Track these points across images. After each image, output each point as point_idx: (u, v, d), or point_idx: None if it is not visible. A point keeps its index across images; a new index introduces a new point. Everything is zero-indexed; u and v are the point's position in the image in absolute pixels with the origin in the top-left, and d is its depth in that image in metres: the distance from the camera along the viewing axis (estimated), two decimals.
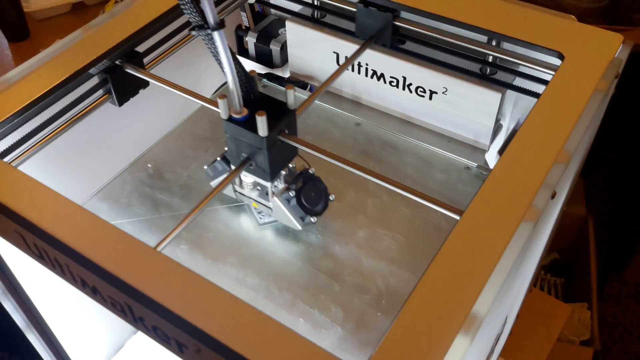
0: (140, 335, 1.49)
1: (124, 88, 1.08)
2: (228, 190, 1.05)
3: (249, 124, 0.86)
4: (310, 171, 1.01)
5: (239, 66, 0.83)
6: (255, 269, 1.00)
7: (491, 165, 1.22)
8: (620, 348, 2.56)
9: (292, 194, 0.98)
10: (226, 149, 0.98)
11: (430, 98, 1.20)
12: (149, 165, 1.16)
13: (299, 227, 1.01)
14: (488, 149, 1.22)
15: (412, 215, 1.07)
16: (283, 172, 0.97)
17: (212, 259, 1.02)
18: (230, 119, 0.87)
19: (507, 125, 1.28)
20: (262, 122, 0.83)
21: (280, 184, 0.99)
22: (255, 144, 0.87)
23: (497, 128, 1.23)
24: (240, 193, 1.04)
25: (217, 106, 0.90)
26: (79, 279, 0.76)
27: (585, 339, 2.15)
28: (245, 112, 0.87)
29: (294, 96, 0.87)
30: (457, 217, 0.82)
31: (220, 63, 0.81)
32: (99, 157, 1.17)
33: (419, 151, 1.18)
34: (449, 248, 0.75)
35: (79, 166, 1.14)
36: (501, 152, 1.21)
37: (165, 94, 1.03)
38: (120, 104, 1.09)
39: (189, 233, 1.05)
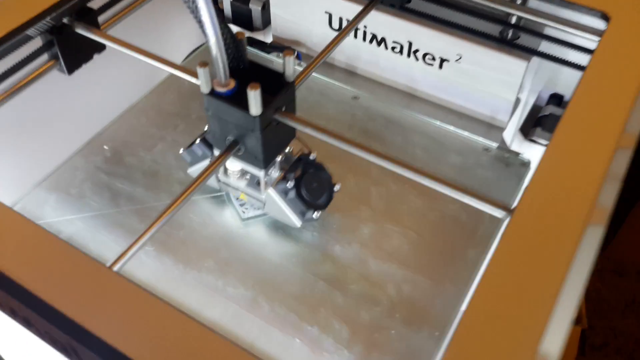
0: None
1: (74, 52, 0.88)
2: (210, 181, 0.87)
3: (237, 99, 0.68)
4: (311, 157, 0.83)
5: (224, 26, 0.64)
6: (238, 276, 0.82)
7: (510, 145, 1.05)
8: (605, 324, 2.49)
9: (290, 184, 0.80)
10: (206, 128, 0.79)
11: (441, 67, 1.02)
12: (105, 147, 0.96)
13: (298, 224, 0.83)
14: (506, 127, 1.05)
15: (426, 207, 0.90)
16: (278, 159, 0.78)
17: (185, 264, 0.83)
18: (213, 93, 0.68)
19: (526, 99, 1.11)
20: (255, 98, 0.64)
21: (275, 173, 0.81)
22: (245, 125, 0.69)
23: (515, 102, 1.06)
24: (224, 183, 0.86)
25: (192, 75, 0.71)
26: (6, 305, 0.56)
27: None
28: (232, 84, 0.68)
29: (293, 65, 0.68)
30: (500, 215, 0.65)
31: (200, 22, 0.62)
32: (45, 138, 0.97)
33: (429, 129, 1.00)
34: (501, 256, 0.57)
35: (19, 149, 0.94)
36: (524, 130, 1.03)
37: (125, 60, 0.84)
38: (70, 71, 0.89)
39: (158, 230, 0.86)
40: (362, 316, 0.79)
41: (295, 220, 0.83)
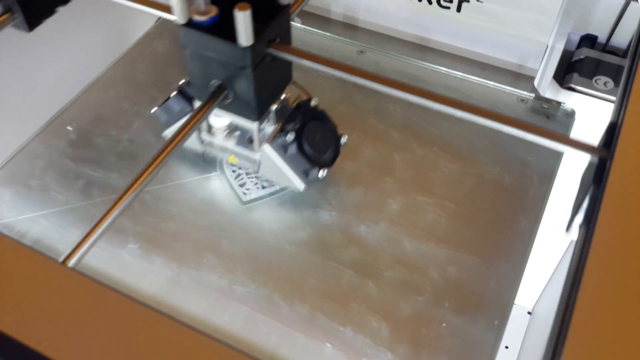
0: None
1: (34, 3, 0.71)
2: (191, 142, 0.71)
3: (220, 29, 0.54)
4: (312, 103, 0.69)
5: None
6: (247, 272, 0.67)
7: (544, 94, 0.91)
8: None
9: (289, 137, 0.66)
10: (182, 82, 0.64)
11: (459, 9, 0.88)
12: (69, 128, 0.80)
13: (302, 187, 0.69)
14: (537, 75, 0.90)
15: (460, 172, 0.75)
16: (273, 107, 0.63)
17: (179, 262, 0.67)
18: (192, 24, 0.54)
19: (553, 44, 0.97)
20: (244, 22, 0.51)
21: (271, 126, 0.66)
22: (234, 61, 0.55)
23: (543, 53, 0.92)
24: (209, 144, 0.71)
25: (162, 9, 0.56)
26: None
27: None
28: (214, 11, 0.54)
29: None
30: (589, 157, 0.50)
31: None
32: None
33: (451, 82, 0.86)
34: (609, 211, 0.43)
35: None
36: (558, 78, 0.89)
37: (87, 22, 0.67)
38: (31, 27, 0.72)
39: (137, 224, 0.70)
40: (404, 308, 0.64)
41: (297, 182, 0.68)
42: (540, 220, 0.71)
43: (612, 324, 0.36)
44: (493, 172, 0.75)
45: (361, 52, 0.90)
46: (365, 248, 0.69)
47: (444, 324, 0.63)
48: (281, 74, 0.63)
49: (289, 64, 0.63)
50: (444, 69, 0.88)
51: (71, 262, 0.46)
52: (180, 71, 0.86)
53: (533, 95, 0.84)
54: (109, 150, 0.78)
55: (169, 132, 0.71)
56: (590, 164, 0.50)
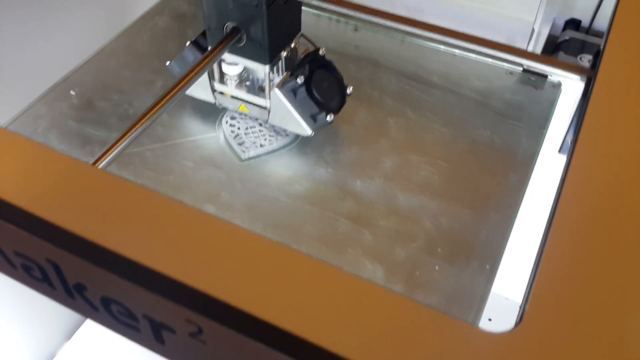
0: (76, 340, 1.14)
1: None
2: (204, 92, 0.74)
3: None
4: (320, 52, 0.72)
5: None
6: (245, 221, 0.68)
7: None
8: None
9: (299, 80, 0.68)
10: (184, 52, 0.67)
11: None
12: (72, 92, 0.82)
13: (310, 131, 0.72)
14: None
15: (453, 135, 0.78)
16: (283, 54, 0.66)
17: None
18: None
19: (539, 29, 1.01)
20: None
21: (280, 76, 0.69)
22: (249, 0, 0.56)
23: (531, 32, 0.95)
24: (221, 93, 0.74)
25: None
26: None
27: None
28: None
29: None
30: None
31: None
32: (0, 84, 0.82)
33: (442, 56, 0.89)
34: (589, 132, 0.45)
35: None
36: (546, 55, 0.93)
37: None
38: None
39: (140, 177, 0.72)
40: (398, 253, 0.66)
41: (306, 127, 0.71)
42: (529, 176, 0.73)
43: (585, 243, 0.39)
44: (484, 135, 0.78)
45: (356, 29, 0.93)
46: (361, 201, 0.71)
47: (437, 267, 0.65)
48: (291, 21, 0.66)
49: (299, 13, 0.66)
50: (435, 44, 0.91)
51: (101, 165, 0.48)
52: (179, 44, 0.88)
53: (521, 67, 0.87)
54: (109, 113, 0.80)
55: None
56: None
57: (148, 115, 0.55)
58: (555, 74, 0.53)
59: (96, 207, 0.40)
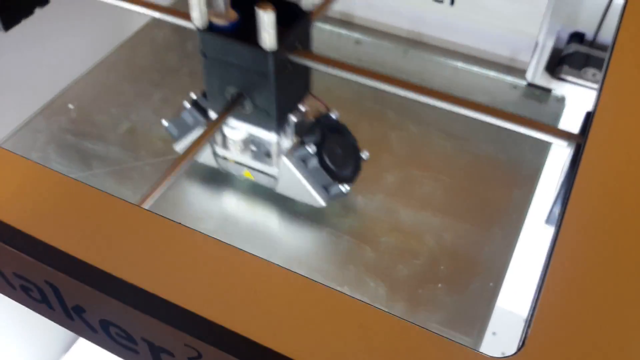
0: (74, 353, 1.12)
1: (11, 4, 0.73)
2: (205, 157, 0.70)
3: (242, 34, 0.54)
4: (332, 116, 0.67)
5: None
6: (246, 236, 0.68)
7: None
8: None
9: (310, 149, 0.63)
10: (192, 97, 0.65)
11: (452, 2, 0.90)
12: (70, 106, 0.81)
13: (323, 203, 0.66)
14: (528, 68, 0.93)
15: (456, 150, 0.77)
16: (293, 119, 0.62)
17: None
18: (212, 28, 0.54)
19: (543, 42, 1.00)
20: (268, 23, 0.51)
21: (288, 141, 0.64)
22: (255, 67, 0.55)
23: (535, 45, 0.95)
24: (223, 158, 0.69)
25: (178, 16, 0.57)
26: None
27: None
28: (235, 15, 0.55)
29: None
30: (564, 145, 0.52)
31: None
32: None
33: (445, 71, 0.88)
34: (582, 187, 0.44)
35: None
36: (550, 69, 0.92)
37: (90, 12, 0.70)
38: (7, 27, 0.75)
39: (139, 192, 0.71)
40: (400, 271, 0.65)
41: (318, 198, 0.65)
42: (534, 191, 0.72)
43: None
44: (487, 150, 0.77)
45: (358, 42, 0.93)
46: (363, 217, 0.70)
47: (439, 285, 0.64)
48: (300, 84, 0.62)
49: (308, 74, 0.63)
50: (438, 57, 0.90)
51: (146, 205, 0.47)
52: (178, 56, 0.88)
53: (525, 81, 0.86)
54: (108, 127, 0.79)
55: (180, 147, 0.69)
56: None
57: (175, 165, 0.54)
58: (541, 139, 0.52)
59: (95, 230, 0.39)
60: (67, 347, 1.15)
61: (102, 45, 0.88)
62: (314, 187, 0.65)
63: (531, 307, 0.37)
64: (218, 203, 0.72)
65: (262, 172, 0.68)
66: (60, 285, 0.40)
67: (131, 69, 0.87)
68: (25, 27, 0.80)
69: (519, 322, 0.42)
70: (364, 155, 0.68)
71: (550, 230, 0.42)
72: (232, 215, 0.70)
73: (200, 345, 0.35)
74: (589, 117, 0.49)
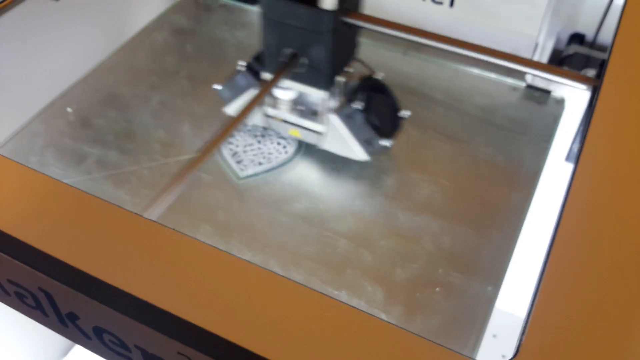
0: (72, 357, 1.13)
1: None
2: (254, 116, 0.74)
3: None
4: (379, 76, 0.72)
5: None
6: (243, 240, 0.67)
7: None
8: None
9: (357, 106, 0.67)
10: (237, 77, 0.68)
11: (452, 4, 0.90)
12: (68, 109, 0.81)
13: (367, 157, 0.70)
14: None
15: (454, 152, 0.77)
16: (341, 80, 0.66)
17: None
18: None
19: (543, 43, 1.00)
20: None
21: (334, 101, 0.68)
22: (314, 26, 0.59)
23: (535, 46, 0.94)
24: (273, 117, 0.73)
25: None
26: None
27: None
28: None
29: None
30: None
31: None
32: None
33: (444, 73, 0.88)
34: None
35: None
36: None
37: (87, 16, 0.70)
38: None
39: (136, 196, 0.71)
40: (398, 275, 0.65)
41: (361, 153, 0.69)
42: (533, 194, 0.72)
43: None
44: (486, 153, 0.77)
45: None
46: (361, 220, 0.70)
47: (437, 289, 0.64)
48: (350, 46, 0.66)
49: (356, 37, 0.66)
50: (436, 59, 0.90)
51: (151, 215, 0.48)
52: (177, 60, 0.88)
53: (525, 83, 0.86)
54: (106, 130, 0.79)
55: (231, 109, 0.72)
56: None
57: (205, 153, 0.56)
58: (561, 83, 0.54)
59: (88, 238, 0.39)
60: (66, 351, 1.15)
61: (102, 48, 0.88)
62: (359, 142, 0.70)
63: (527, 313, 0.37)
64: (214, 208, 0.71)
65: (309, 129, 0.71)
66: (54, 293, 0.40)
67: (130, 72, 0.87)
68: (24, 31, 0.80)
69: (519, 325, 0.42)
70: (405, 114, 0.72)
71: (549, 231, 0.42)
72: (228, 220, 0.70)
73: (193, 354, 0.35)
74: (603, 63, 0.50)
